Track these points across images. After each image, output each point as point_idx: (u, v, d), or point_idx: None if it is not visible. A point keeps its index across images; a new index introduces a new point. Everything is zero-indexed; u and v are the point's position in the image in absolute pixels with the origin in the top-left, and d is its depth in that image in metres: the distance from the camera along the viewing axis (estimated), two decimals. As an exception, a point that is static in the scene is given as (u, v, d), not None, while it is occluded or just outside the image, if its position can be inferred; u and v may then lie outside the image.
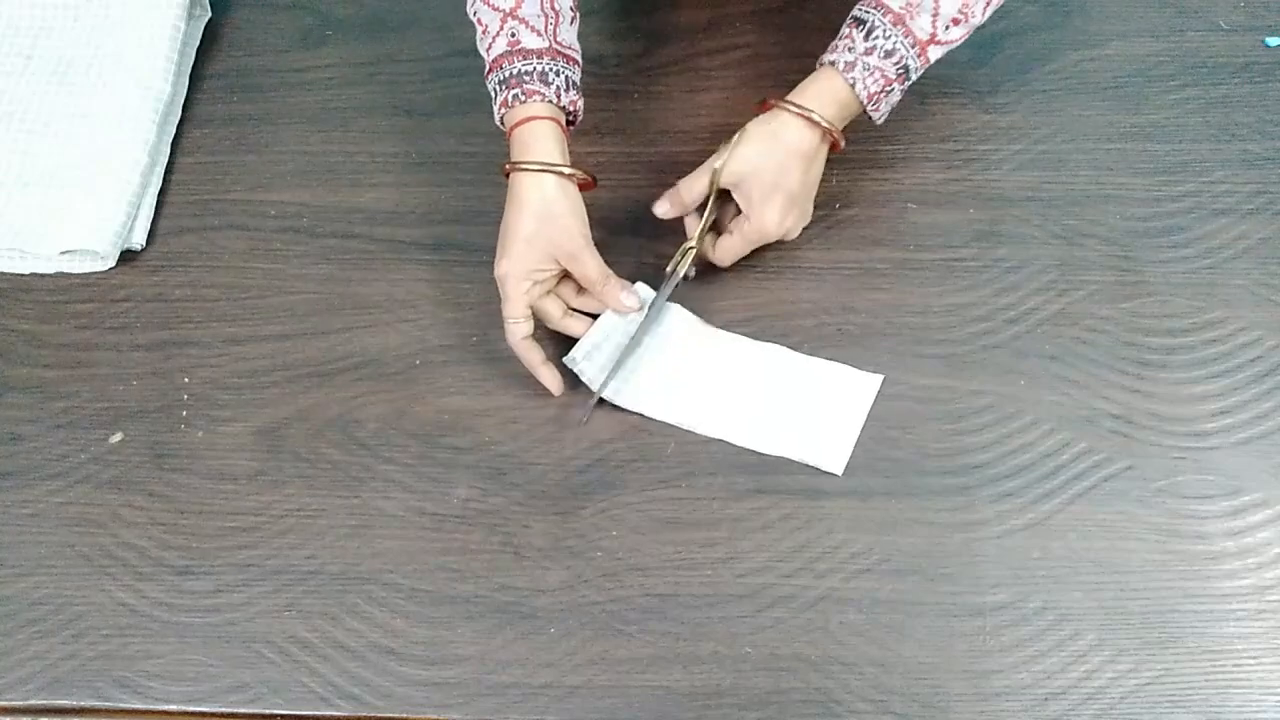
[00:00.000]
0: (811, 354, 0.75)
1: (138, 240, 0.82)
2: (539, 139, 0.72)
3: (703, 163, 0.75)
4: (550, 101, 0.72)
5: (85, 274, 0.82)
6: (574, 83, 0.74)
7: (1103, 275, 0.77)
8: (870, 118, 0.74)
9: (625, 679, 0.67)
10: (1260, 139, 0.81)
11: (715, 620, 0.68)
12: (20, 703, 0.69)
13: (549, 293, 0.75)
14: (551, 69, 0.73)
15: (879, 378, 0.74)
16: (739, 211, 0.74)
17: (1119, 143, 0.82)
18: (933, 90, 0.84)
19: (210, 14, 0.92)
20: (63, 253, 0.81)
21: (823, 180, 0.75)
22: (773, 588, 0.69)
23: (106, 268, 0.82)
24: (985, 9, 0.72)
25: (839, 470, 0.72)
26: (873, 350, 0.75)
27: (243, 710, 0.68)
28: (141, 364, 0.78)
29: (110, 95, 0.86)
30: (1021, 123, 0.83)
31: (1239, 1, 0.87)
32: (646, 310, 0.75)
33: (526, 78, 0.72)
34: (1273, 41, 0.85)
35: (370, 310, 0.79)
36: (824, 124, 0.71)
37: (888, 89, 0.72)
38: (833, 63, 0.72)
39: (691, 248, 0.75)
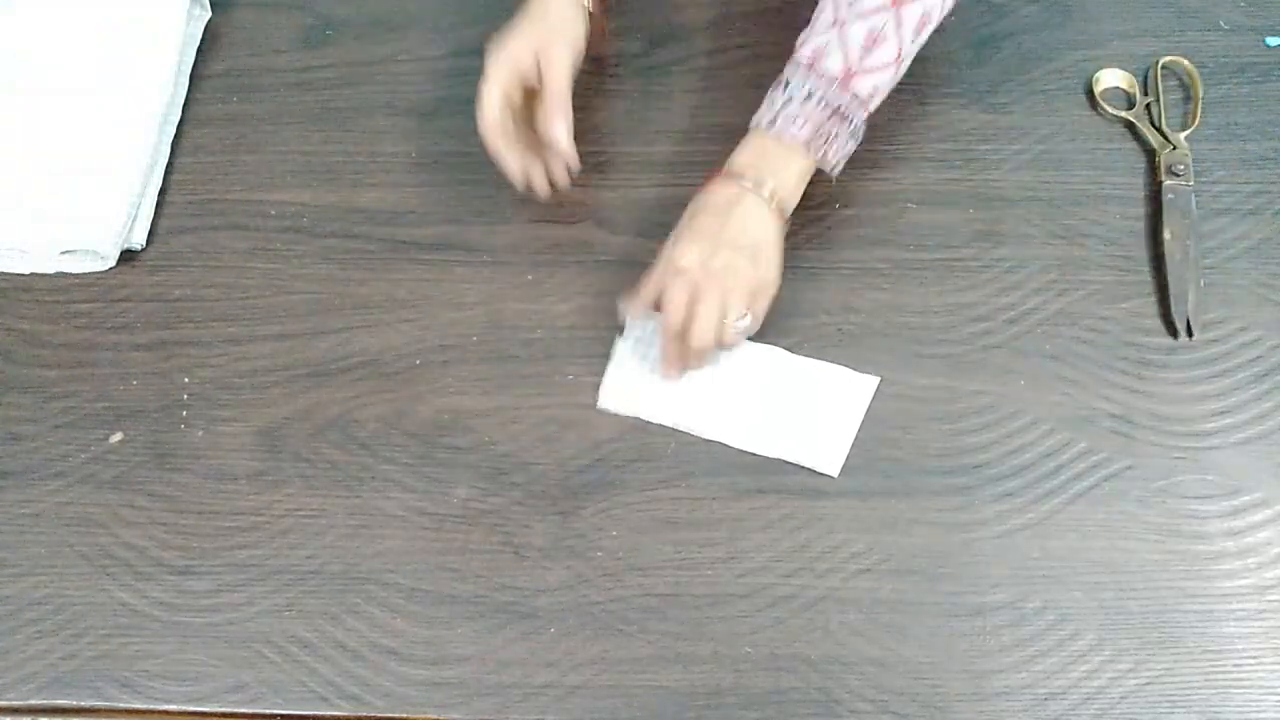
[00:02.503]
0: (811, 354, 0.75)
1: (138, 240, 0.82)
2: None
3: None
4: None
5: (85, 274, 0.82)
6: None
7: (1103, 275, 0.77)
8: (823, 170, 0.73)
9: (625, 679, 0.67)
10: (1260, 139, 0.81)
11: (715, 620, 0.68)
12: (20, 703, 0.69)
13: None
14: None
15: (875, 379, 0.74)
16: None
17: (1119, 143, 0.82)
18: (933, 90, 0.84)
19: (210, 14, 0.92)
20: (63, 253, 0.81)
21: (823, 181, 0.75)
22: (773, 588, 0.69)
23: (106, 268, 0.82)
24: (900, 27, 0.70)
25: (835, 472, 0.72)
26: (873, 350, 0.75)
27: (243, 710, 0.68)
28: (141, 364, 0.78)
29: (110, 95, 0.86)
30: (1021, 123, 0.83)
31: (1239, 1, 0.87)
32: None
33: None
34: (1273, 41, 0.85)
35: (370, 310, 0.79)
36: (733, 172, 0.71)
37: (821, 131, 0.71)
38: (755, 125, 0.72)
39: None
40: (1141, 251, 0.78)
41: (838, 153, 0.73)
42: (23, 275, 0.82)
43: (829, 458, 0.72)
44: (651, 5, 0.90)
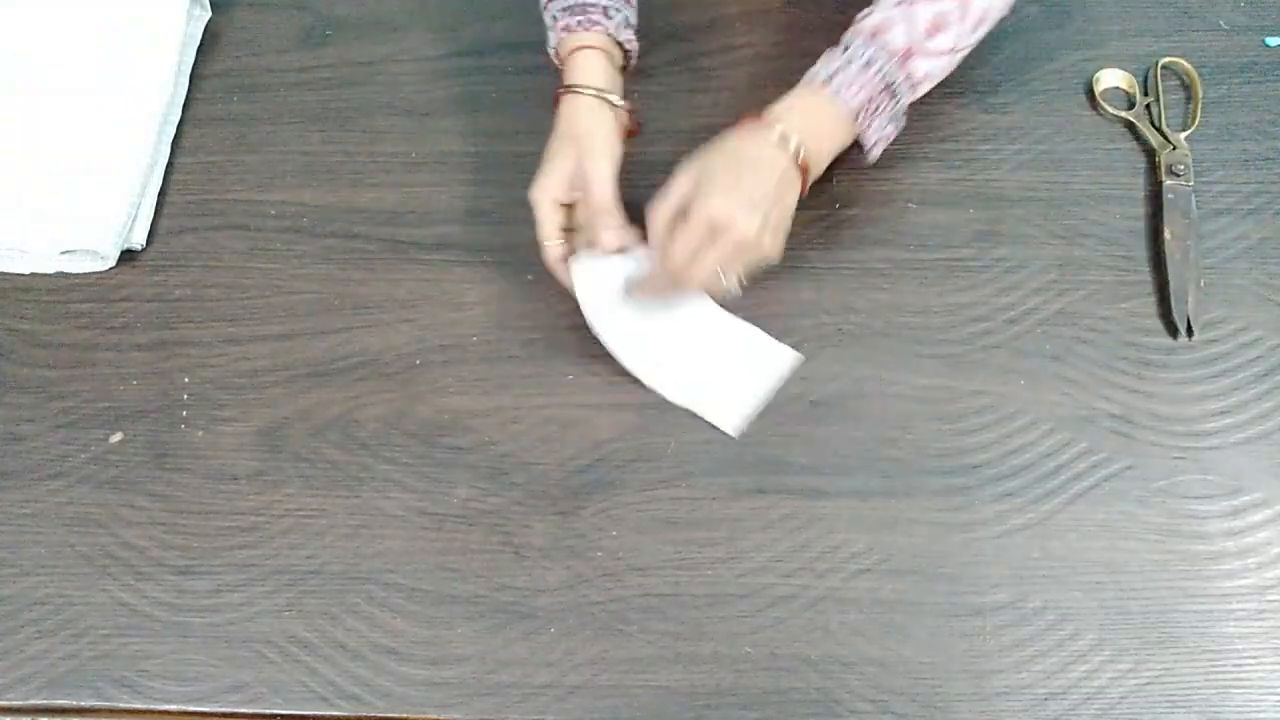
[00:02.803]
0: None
1: (138, 240, 0.82)
2: (591, 66, 0.75)
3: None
4: (609, 34, 0.75)
5: (85, 274, 0.82)
6: (631, 24, 0.77)
7: (1103, 275, 0.77)
8: (861, 145, 0.74)
9: (625, 679, 0.67)
10: (1260, 139, 0.81)
11: (715, 620, 0.68)
12: (20, 703, 0.69)
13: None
14: (613, 5, 0.75)
15: (795, 355, 0.75)
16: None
17: (1119, 143, 0.82)
18: (933, 90, 0.83)
19: (210, 14, 0.92)
20: (63, 253, 0.81)
21: (823, 180, 0.75)
22: (773, 588, 0.69)
23: (106, 268, 0.82)
24: (964, 17, 0.71)
25: (732, 432, 0.73)
26: (873, 350, 0.75)
27: (243, 710, 0.68)
28: (141, 364, 0.78)
29: (110, 95, 0.86)
30: (1021, 123, 0.83)
31: (1239, 1, 0.87)
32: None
33: (591, 8, 0.75)
34: (1273, 41, 0.85)
35: (370, 310, 0.79)
36: (778, 130, 0.70)
37: (871, 102, 0.71)
38: (809, 81, 0.72)
39: None
40: (1141, 251, 0.78)
41: (878, 131, 0.73)
42: (23, 275, 0.82)
43: (729, 417, 0.73)
44: (651, 5, 0.90)
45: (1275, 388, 0.73)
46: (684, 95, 0.86)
